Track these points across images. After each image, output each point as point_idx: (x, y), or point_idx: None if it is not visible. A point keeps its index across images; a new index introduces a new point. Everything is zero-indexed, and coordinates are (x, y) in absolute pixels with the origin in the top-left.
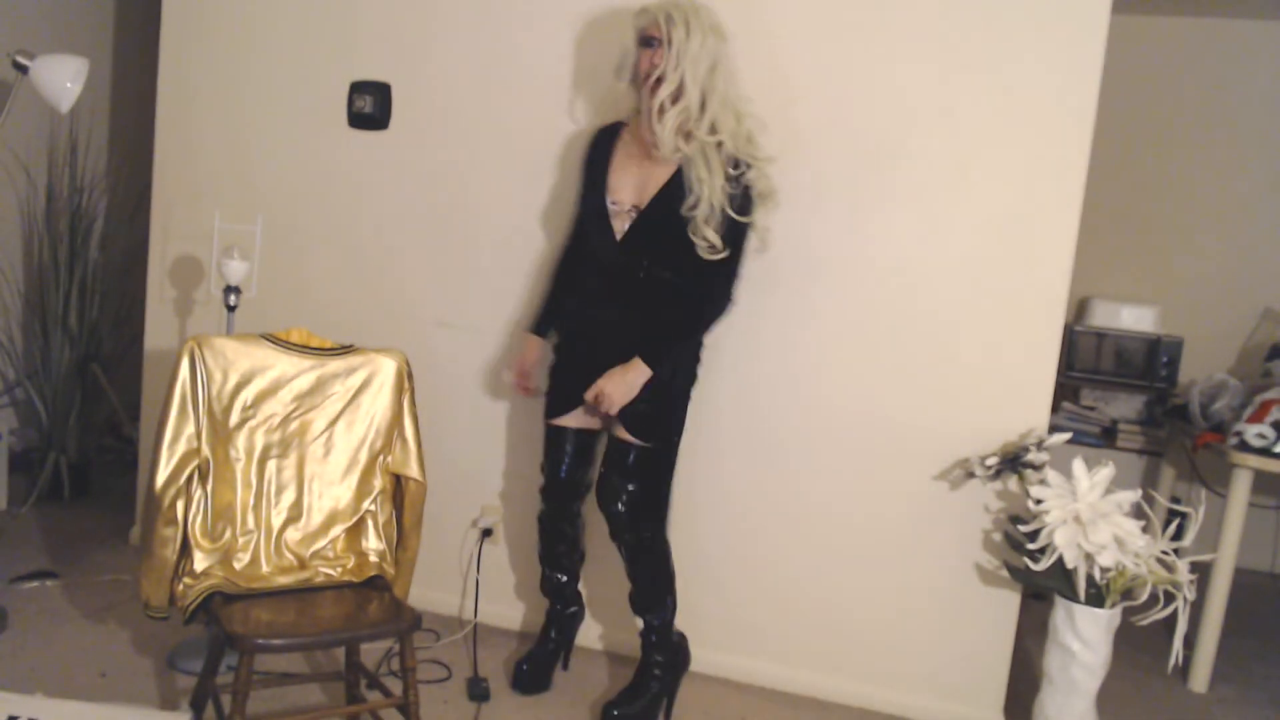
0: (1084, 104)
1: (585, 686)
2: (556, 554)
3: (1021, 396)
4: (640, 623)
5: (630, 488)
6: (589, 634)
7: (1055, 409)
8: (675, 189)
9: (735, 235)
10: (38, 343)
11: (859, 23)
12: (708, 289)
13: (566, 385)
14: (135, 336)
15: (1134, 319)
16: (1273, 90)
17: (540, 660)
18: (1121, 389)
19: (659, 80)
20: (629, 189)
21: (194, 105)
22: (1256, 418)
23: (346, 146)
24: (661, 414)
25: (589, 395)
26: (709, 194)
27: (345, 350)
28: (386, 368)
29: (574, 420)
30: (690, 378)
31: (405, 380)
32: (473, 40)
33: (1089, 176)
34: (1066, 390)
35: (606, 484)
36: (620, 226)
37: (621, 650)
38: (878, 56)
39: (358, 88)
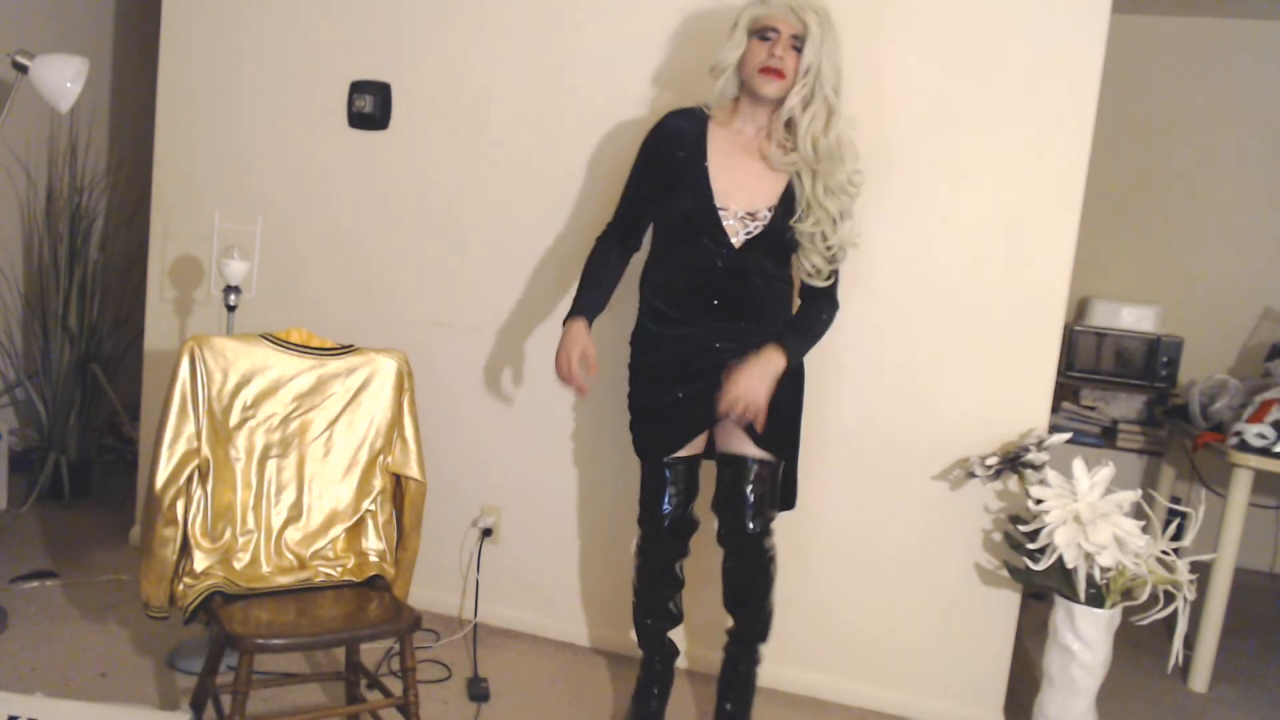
0: (1084, 104)
1: (584, 687)
2: (665, 604)
3: (1021, 396)
4: (739, 627)
5: (761, 504)
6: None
7: (1055, 409)
8: (792, 197)
9: (837, 258)
10: (38, 343)
11: (857, 22)
12: (831, 293)
13: (671, 413)
14: (135, 336)
15: (1134, 319)
16: (1273, 90)
17: None
18: (1121, 389)
19: (790, 83)
20: (738, 193)
21: (194, 105)
22: (1256, 418)
23: (346, 146)
24: (792, 426)
25: (726, 407)
26: (820, 218)
27: (345, 350)
28: (386, 368)
29: (687, 450)
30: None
31: (405, 380)
32: (472, 40)
33: (1089, 176)
34: (1066, 390)
35: (733, 503)
36: (735, 232)
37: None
38: (877, 55)
39: (358, 88)
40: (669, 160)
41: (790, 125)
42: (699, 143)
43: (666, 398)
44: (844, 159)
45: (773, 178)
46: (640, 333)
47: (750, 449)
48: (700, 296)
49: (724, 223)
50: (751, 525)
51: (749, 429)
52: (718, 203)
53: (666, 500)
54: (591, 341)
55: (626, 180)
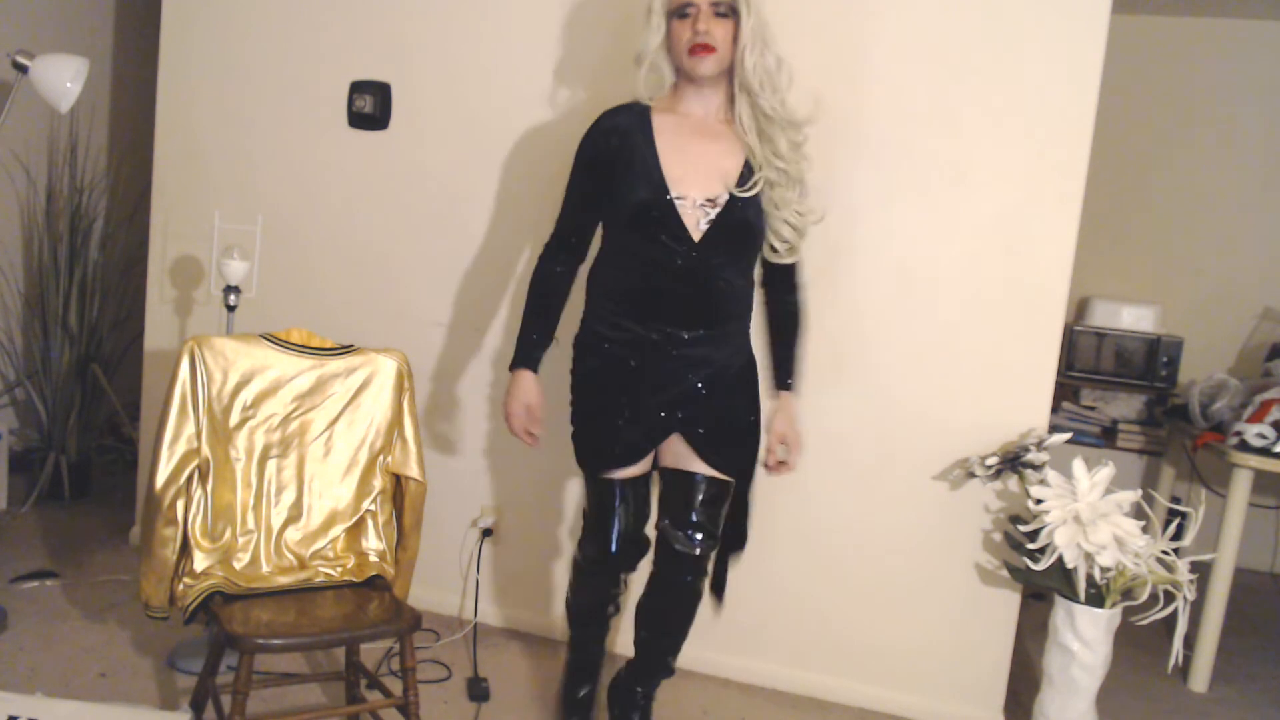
0: (1084, 104)
1: None
2: (605, 624)
3: (1021, 396)
4: (646, 652)
5: (710, 527)
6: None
7: (1055, 409)
8: (750, 176)
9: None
10: (38, 343)
11: (859, 22)
12: (800, 295)
13: (626, 424)
14: (135, 336)
15: (1134, 319)
16: (1273, 90)
17: None
18: (1121, 389)
19: (727, 54)
20: (695, 178)
21: (194, 105)
22: (1256, 418)
23: (346, 146)
24: (751, 447)
25: (787, 452)
26: (784, 184)
27: (345, 350)
28: (386, 368)
29: (638, 468)
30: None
31: (405, 380)
32: (473, 40)
33: (1089, 176)
34: (1066, 390)
35: (679, 523)
36: (694, 223)
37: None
38: (878, 56)
39: (358, 88)
40: (611, 156)
41: (734, 98)
42: (644, 131)
43: (619, 408)
44: (786, 103)
45: (730, 157)
46: (588, 336)
47: (699, 465)
48: (659, 299)
49: (682, 214)
50: (698, 550)
51: (704, 449)
52: (673, 192)
53: (616, 520)
54: (538, 393)
55: (566, 188)
